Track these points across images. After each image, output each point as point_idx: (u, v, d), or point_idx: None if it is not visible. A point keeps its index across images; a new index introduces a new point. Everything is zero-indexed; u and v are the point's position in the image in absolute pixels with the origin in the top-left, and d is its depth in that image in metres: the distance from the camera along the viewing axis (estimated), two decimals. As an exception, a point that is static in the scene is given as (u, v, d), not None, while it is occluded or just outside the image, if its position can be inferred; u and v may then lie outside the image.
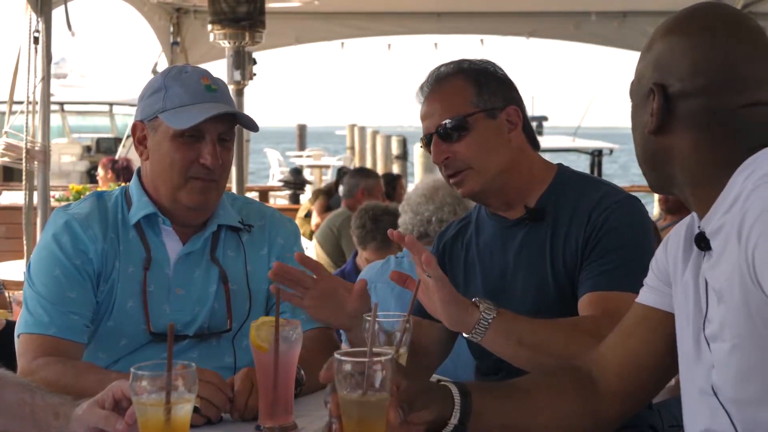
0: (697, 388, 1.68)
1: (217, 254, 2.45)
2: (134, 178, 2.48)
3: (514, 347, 2.10)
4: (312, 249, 7.10)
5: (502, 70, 2.52)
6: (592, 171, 16.29)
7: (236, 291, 2.43)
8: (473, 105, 2.42)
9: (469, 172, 2.41)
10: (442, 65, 2.51)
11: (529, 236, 2.42)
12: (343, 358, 1.57)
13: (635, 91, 1.74)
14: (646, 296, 1.87)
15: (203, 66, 9.47)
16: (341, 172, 10.33)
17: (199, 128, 2.33)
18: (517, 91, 2.51)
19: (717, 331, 1.61)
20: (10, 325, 3.49)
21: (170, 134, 2.34)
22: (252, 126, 2.43)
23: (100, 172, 9.98)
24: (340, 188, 7.96)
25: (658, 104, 1.66)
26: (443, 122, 2.41)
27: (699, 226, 1.68)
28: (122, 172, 9.61)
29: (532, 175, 2.46)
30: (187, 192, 2.37)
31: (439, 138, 2.42)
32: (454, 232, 2.64)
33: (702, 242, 1.66)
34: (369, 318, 1.95)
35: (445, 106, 2.43)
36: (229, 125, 2.40)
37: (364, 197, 7.23)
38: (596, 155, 17.90)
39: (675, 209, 6.50)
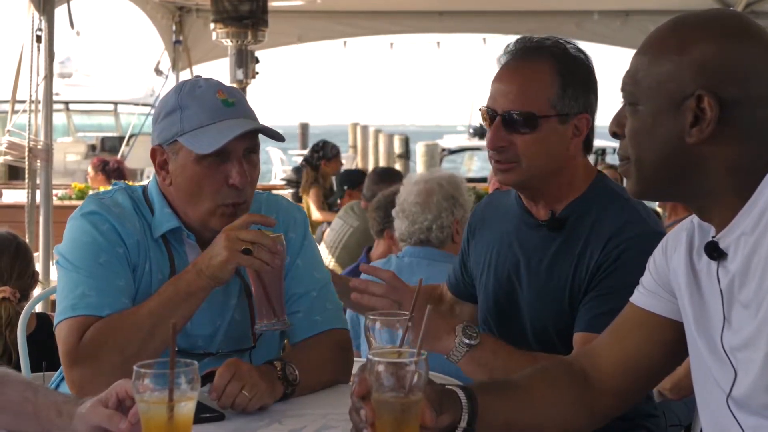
0: (714, 400, 1.68)
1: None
2: (153, 184, 2.37)
3: (486, 377, 2.22)
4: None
5: (593, 68, 2.36)
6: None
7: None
8: (551, 105, 2.28)
9: (516, 165, 2.32)
10: (535, 37, 2.34)
11: (545, 243, 2.37)
12: (378, 359, 1.55)
13: (653, 94, 1.61)
14: (643, 299, 1.87)
15: (205, 65, 9.32)
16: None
17: (223, 148, 2.21)
18: (596, 94, 2.36)
19: (744, 342, 1.60)
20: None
21: (193, 158, 2.23)
22: (277, 137, 2.32)
23: (90, 171, 9.78)
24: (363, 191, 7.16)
25: (714, 113, 1.55)
26: (514, 110, 2.27)
27: (713, 236, 1.65)
28: (113, 174, 9.50)
29: (571, 182, 2.37)
30: (218, 218, 2.26)
31: (502, 123, 2.29)
32: (490, 200, 2.64)
33: (714, 252, 1.63)
34: (371, 317, 1.95)
35: (523, 93, 2.27)
36: (253, 138, 2.28)
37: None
38: (599, 154, 17.77)
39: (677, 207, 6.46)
